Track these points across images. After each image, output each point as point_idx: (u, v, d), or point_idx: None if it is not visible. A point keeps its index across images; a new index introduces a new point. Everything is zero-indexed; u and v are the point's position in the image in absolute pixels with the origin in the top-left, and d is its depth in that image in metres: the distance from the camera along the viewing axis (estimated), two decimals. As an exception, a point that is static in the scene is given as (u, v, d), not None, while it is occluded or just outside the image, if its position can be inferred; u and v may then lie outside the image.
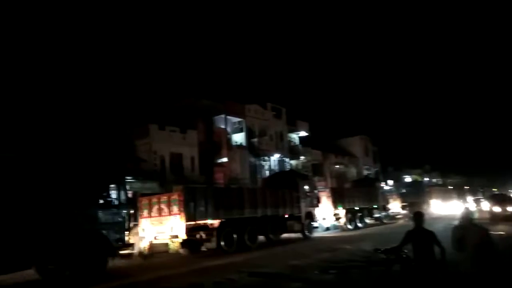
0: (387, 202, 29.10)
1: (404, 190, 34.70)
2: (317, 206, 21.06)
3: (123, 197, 11.59)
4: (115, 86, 49.61)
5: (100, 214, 10.88)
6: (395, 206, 30.05)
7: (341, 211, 23.27)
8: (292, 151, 36.25)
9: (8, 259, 8.86)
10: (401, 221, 27.20)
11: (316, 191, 21.87)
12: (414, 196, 33.07)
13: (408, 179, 51.66)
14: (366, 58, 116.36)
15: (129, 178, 12.12)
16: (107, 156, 17.87)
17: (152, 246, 14.77)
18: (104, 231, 10.75)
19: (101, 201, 11.06)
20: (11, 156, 9.79)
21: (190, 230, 14.02)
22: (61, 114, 22.49)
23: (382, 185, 32.12)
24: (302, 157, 37.23)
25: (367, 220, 25.60)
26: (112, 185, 11.50)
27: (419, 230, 5.29)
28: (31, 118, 20.05)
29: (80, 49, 51.55)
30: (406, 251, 5.46)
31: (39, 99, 23.84)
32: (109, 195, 11.31)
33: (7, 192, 9.00)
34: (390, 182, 41.21)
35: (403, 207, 30.35)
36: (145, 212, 14.87)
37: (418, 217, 5.45)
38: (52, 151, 13.91)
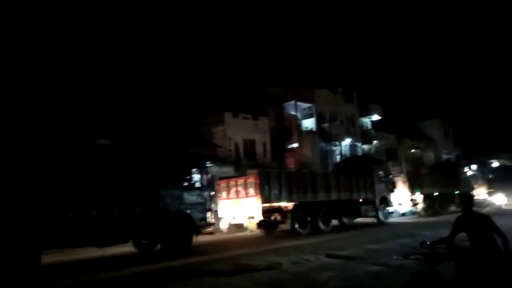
0: (471, 188, 27.15)
1: (490, 176, 31.96)
2: (392, 191, 20.48)
3: (204, 180, 12.45)
4: (193, 78, 52.09)
5: (185, 195, 11.80)
6: (480, 192, 27.92)
7: (419, 197, 22.31)
8: (364, 136, 35.25)
9: (111, 234, 10.14)
10: (487, 208, 25.27)
11: (391, 176, 21.22)
12: (502, 182, 30.33)
13: (495, 163, 47.27)
14: (442, 34, 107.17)
15: (207, 163, 12.92)
16: (188, 142, 19.11)
17: (230, 226, 15.69)
18: (188, 211, 11.71)
19: (185, 184, 11.99)
20: (111, 144, 10.98)
21: (265, 212, 14.60)
22: (146, 104, 24.45)
23: (465, 170, 29.95)
24: (375, 142, 36.04)
25: (448, 206, 24.21)
26: (194, 169, 12.39)
27: (471, 215, 4.44)
28: (120, 108, 22.13)
29: (163, 44, 54.80)
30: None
31: (126, 92, 26.06)
32: (192, 179, 12.23)
33: (107, 177, 10.15)
34: (474, 167, 38.16)
35: (490, 194, 28.09)
36: (224, 194, 15.78)
37: (465, 199, 4.66)
38: (143, 139, 15.26)
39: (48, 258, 10.10)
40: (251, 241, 14.37)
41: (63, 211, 9.16)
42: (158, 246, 11.56)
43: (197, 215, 11.87)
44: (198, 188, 12.19)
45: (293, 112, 30.16)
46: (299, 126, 30.09)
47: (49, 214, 8.95)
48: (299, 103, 30.52)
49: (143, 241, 11.87)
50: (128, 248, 11.83)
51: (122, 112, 21.38)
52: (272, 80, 37.03)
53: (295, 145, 29.06)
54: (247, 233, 16.06)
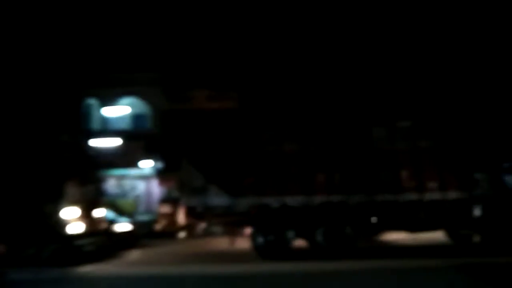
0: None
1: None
2: None
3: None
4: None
5: (508, 178, 9.62)
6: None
7: None
8: None
9: (422, 220, 9.54)
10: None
11: None
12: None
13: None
14: None
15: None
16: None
17: None
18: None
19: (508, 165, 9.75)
20: (410, 126, 10.26)
21: None
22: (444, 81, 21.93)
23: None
24: None
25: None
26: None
27: None
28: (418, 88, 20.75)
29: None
30: None
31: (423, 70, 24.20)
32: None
33: (414, 159, 9.54)
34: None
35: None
36: None
37: None
38: (440, 118, 13.82)
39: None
40: None
41: (376, 196, 9.35)
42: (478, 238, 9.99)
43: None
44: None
45: None
46: None
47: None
48: None
49: (459, 231, 10.56)
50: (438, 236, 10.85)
51: (421, 91, 20.04)
52: None
53: None
54: None
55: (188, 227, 10.36)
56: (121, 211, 14.83)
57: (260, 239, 9.24)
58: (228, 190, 9.17)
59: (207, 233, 12.20)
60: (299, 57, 17.94)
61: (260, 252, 9.25)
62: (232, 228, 9.58)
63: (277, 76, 17.04)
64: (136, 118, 19.23)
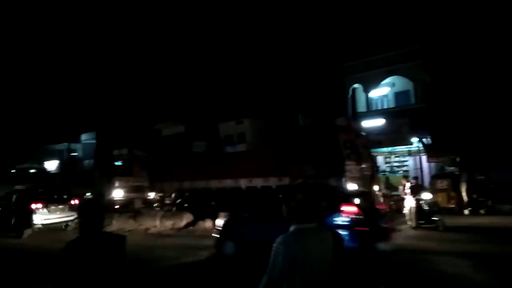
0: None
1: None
2: None
3: None
4: None
5: None
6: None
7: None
8: None
9: None
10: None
11: None
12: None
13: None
14: None
15: None
16: None
17: None
18: None
19: None
20: None
21: None
22: None
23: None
24: None
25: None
26: None
27: None
28: None
29: None
30: None
31: None
32: None
33: None
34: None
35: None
36: None
37: None
38: None
39: None
40: None
41: None
42: None
43: None
44: None
45: None
46: None
47: None
48: None
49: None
50: None
51: None
52: None
53: None
54: None
55: (472, 204, 9.56)
56: (393, 187, 15.40)
57: None
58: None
59: (492, 211, 10.98)
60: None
61: None
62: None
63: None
64: (399, 95, 19.36)
